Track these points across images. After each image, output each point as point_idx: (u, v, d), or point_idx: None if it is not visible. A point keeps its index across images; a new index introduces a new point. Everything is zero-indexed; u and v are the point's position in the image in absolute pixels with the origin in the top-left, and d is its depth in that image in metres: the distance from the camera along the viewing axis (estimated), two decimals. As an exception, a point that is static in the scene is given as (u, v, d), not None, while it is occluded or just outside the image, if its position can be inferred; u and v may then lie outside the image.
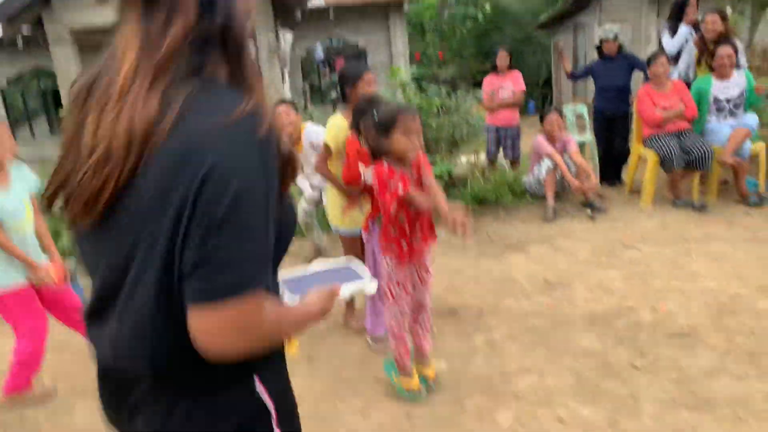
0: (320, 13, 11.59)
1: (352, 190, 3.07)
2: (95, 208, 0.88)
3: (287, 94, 9.64)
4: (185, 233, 0.81)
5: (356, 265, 1.37)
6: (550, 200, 5.31)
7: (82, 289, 3.88)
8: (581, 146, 6.53)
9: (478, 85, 6.62)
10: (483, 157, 6.53)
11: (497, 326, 3.32)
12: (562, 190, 5.59)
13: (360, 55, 12.19)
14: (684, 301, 3.45)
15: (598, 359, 2.91)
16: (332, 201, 3.32)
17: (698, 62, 5.71)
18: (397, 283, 2.61)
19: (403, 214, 2.52)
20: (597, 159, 6.44)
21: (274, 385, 1.03)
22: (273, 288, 1.00)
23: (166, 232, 0.83)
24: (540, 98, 17.35)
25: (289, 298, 1.14)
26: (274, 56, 8.91)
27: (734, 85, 5.28)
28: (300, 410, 1.73)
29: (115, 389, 1.01)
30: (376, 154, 2.54)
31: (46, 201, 0.97)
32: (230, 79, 0.91)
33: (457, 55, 17.58)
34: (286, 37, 10.03)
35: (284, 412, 1.05)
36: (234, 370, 0.94)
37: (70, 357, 3.37)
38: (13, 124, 12.74)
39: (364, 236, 3.06)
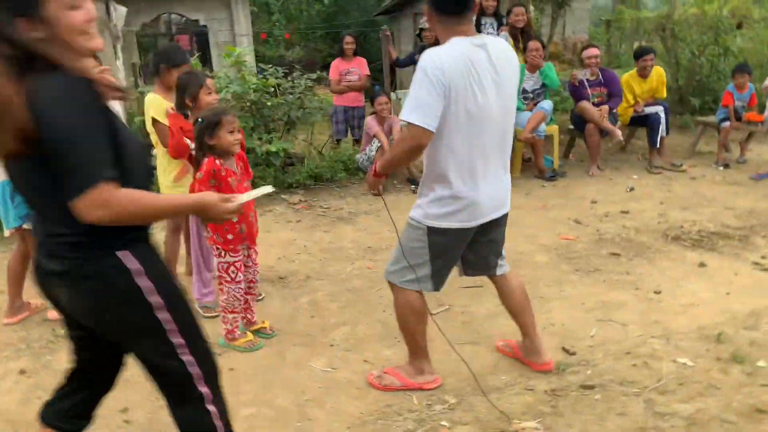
0: (157, -14, 11.13)
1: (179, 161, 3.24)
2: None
3: (120, 70, 9.19)
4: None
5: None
6: (380, 177, 5.77)
7: None
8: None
9: (327, 67, 6.92)
10: (321, 136, 6.85)
11: (321, 288, 3.67)
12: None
13: (198, 32, 11.90)
14: (481, 259, 4.04)
15: (404, 311, 3.35)
16: (162, 170, 3.44)
17: (514, 46, 6.50)
18: (233, 264, 2.90)
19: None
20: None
21: (142, 256, 1.54)
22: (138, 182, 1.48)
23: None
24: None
25: None
26: (105, 30, 8.45)
27: (538, 77, 6.10)
28: (125, 374, 1.95)
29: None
30: (204, 152, 2.83)
31: None
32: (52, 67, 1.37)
33: (305, 38, 17.72)
34: (119, 10, 9.51)
35: (156, 276, 1.56)
36: (101, 241, 1.48)
37: None
38: None
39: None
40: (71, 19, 1.42)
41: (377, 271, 3.88)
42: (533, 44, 6.00)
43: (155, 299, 1.56)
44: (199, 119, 2.82)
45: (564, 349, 2.92)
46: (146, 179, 1.60)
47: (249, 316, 3.12)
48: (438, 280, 2.52)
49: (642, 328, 3.09)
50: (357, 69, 6.64)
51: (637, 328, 3.10)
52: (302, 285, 3.73)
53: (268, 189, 1.82)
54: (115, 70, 9.31)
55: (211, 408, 1.72)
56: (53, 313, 3.37)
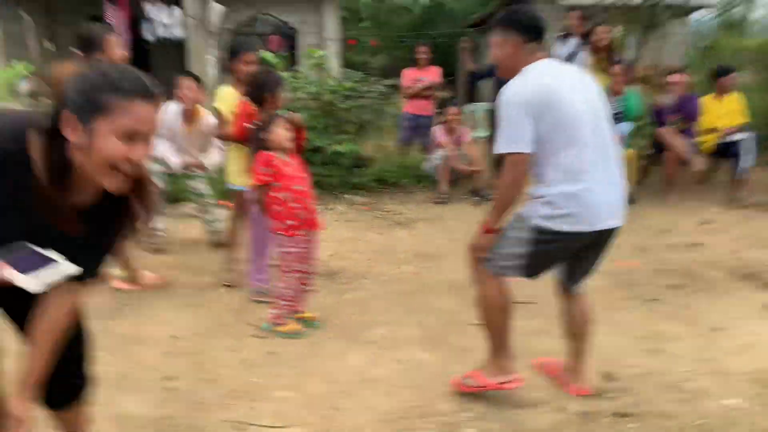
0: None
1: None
2: None
3: (211, 65, 9.69)
4: None
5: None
6: (444, 186, 5.80)
7: None
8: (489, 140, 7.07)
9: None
10: (392, 141, 6.95)
11: (367, 287, 3.74)
12: (456, 178, 6.09)
13: (289, 34, 12.35)
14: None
15: (447, 317, 3.37)
16: (233, 160, 3.64)
17: (594, 66, 6.37)
18: (292, 255, 3.04)
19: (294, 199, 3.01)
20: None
21: None
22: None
23: None
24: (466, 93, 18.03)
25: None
26: (201, 27, 8.97)
27: (622, 102, 5.94)
28: (176, 345, 2.08)
29: None
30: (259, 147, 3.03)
31: None
32: None
33: (391, 46, 17.98)
34: (216, 7, 10.03)
35: None
36: None
37: None
38: None
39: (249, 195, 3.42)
40: (109, 148, 1.31)
41: (423, 278, 3.91)
42: (616, 68, 5.85)
43: None
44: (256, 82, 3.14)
45: (605, 375, 2.83)
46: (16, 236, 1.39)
47: (298, 306, 3.22)
48: (531, 272, 2.50)
49: (693, 363, 2.95)
50: (428, 77, 6.69)
51: (687, 362, 2.95)
52: (349, 282, 3.82)
53: (70, 269, 1.41)
54: (206, 64, 9.83)
55: None
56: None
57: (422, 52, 6.74)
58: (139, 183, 1.45)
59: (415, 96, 6.61)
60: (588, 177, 2.32)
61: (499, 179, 2.36)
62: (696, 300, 3.71)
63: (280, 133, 2.99)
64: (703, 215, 5.57)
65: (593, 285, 3.84)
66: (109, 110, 1.29)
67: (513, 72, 2.41)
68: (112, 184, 1.37)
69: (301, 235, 3.05)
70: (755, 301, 3.73)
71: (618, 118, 5.94)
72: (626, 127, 5.93)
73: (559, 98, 2.30)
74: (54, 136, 1.34)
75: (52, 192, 1.35)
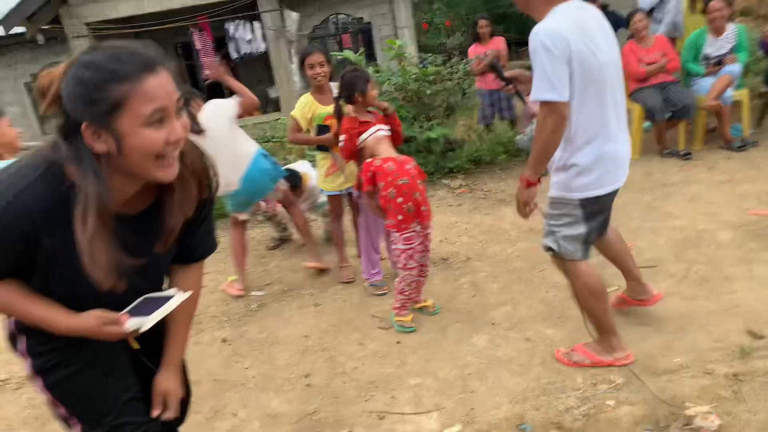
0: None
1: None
2: None
3: (295, 73, 9.98)
4: None
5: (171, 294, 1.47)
6: (542, 157, 5.63)
7: None
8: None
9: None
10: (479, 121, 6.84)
11: (481, 269, 3.73)
12: (554, 147, 5.90)
13: (363, 29, 12.45)
14: (653, 237, 3.80)
15: (567, 291, 3.28)
16: (319, 166, 3.79)
17: (691, 7, 5.94)
18: (405, 252, 3.08)
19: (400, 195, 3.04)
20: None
21: (36, 347, 1.47)
22: (38, 287, 1.35)
23: None
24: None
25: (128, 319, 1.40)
26: (281, 37, 9.25)
27: (725, 41, 5.50)
28: (308, 343, 2.17)
29: None
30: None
31: None
32: None
33: (466, 23, 17.65)
34: (292, 16, 10.32)
35: (44, 369, 1.47)
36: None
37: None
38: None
39: (354, 195, 3.54)
40: (146, 142, 1.18)
41: (539, 253, 3.82)
42: (715, 4, 5.40)
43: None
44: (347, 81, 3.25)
45: (750, 332, 2.66)
46: (97, 303, 1.37)
47: (415, 297, 3.28)
48: (588, 246, 2.53)
49: None
50: (492, 50, 6.49)
51: (843, 312, 2.71)
52: (463, 266, 3.82)
53: (181, 297, 1.46)
54: (290, 73, 10.15)
55: None
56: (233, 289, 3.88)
57: (483, 26, 6.54)
58: (187, 155, 1.35)
59: (484, 72, 6.45)
60: (612, 134, 2.32)
61: (537, 130, 2.26)
62: None
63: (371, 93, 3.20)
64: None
65: (723, 240, 3.63)
66: (123, 103, 1.14)
67: (536, 7, 2.28)
68: (166, 175, 1.25)
69: (413, 228, 3.08)
70: None
71: (723, 59, 5.50)
72: (735, 66, 5.47)
73: (590, 47, 2.18)
74: (80, 160, 1.19)
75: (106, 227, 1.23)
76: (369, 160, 3.09)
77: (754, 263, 3.30)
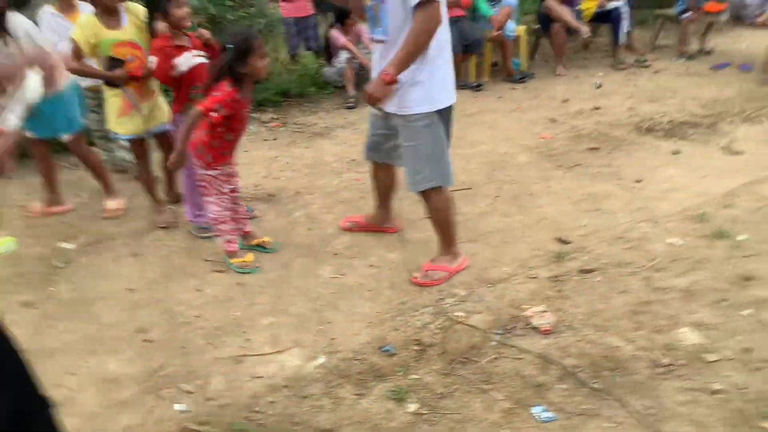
0: None
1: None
2: None
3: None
4: None
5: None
6: (351, 89, 5.67)
7: None
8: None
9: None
10: (285, 52, 6.59)
11: (313, 202, 3.68)
12: (360, 80, 5.96)
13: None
14: (465, 164, 4.10)
15: (402, 216, 3.41)
16: (108, 104, 3.29)
17: None
18: (217, 177, 2.87)
19: (229, 132, 2.83)
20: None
21: None
22: None
23: None
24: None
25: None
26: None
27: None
28: (135, 297, 1.91)
29: None
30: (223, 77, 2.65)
31: None
32: None
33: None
34: None
35: None
36: None
37: None
38: None
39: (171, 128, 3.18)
40: None
41: (365, 183, 3.89)
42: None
43: None
44: (228, 45, 2.64)
45: (559, 240, 3.06)
46: None
47: (243, 227, 3.10)
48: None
49: (629, 214, 3.25)
50: None
51: (624, 215, 3.26)
52: (294, 200, 3.73)
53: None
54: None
55: None
56: None
57: None
58: None
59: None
60: (446, 52, 2.56)
61: (412, 29, 2.36)
62: (613, 158, 4.03)
63: (259, 63, 2.65)
64: (593, 81, 5.92)
65: (523, 161, 4.07)
66: None
67: None
68: None
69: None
70: (662, 149, 4.12)
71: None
72: (514, 1, 6.03)
73: None
74: None
75: None
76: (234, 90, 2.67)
77: (551, 180, 3.77)
